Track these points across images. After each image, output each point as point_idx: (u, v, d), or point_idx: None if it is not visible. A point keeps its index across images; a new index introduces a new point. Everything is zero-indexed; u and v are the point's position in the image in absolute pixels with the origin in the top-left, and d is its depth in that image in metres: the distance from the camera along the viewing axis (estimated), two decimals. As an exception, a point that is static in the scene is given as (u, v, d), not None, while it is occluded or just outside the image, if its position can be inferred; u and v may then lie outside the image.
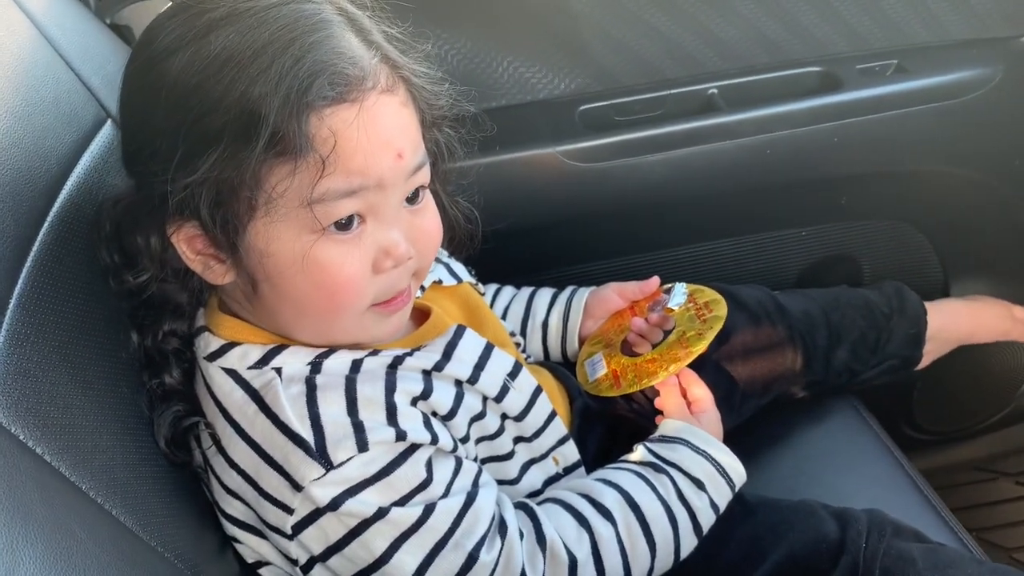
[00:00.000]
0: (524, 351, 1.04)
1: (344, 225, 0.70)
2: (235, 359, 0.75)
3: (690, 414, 0.90)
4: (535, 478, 0.86)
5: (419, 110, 0.74)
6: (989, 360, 1.35)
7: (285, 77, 0.65)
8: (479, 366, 0.81)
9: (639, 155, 1.14)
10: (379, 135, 0.68)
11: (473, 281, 0.99)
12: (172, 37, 0.68)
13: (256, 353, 0.74)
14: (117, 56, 0.98)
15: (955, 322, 1.20)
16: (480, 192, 0.90)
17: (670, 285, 1.02)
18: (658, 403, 0.91)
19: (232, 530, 0.77)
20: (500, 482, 0.82)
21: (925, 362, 1.15)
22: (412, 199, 0.74)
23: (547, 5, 1.18)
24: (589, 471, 0.88)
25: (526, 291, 1.09)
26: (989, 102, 1.18)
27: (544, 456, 0.87)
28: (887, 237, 1.31)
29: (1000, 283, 1.30)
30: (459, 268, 0.98)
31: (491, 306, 1.03)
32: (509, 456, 0.84)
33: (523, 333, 1.06)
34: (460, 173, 0.87)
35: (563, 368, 1.02)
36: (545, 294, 1.08)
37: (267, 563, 0.78)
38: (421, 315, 0.85)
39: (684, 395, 0.91)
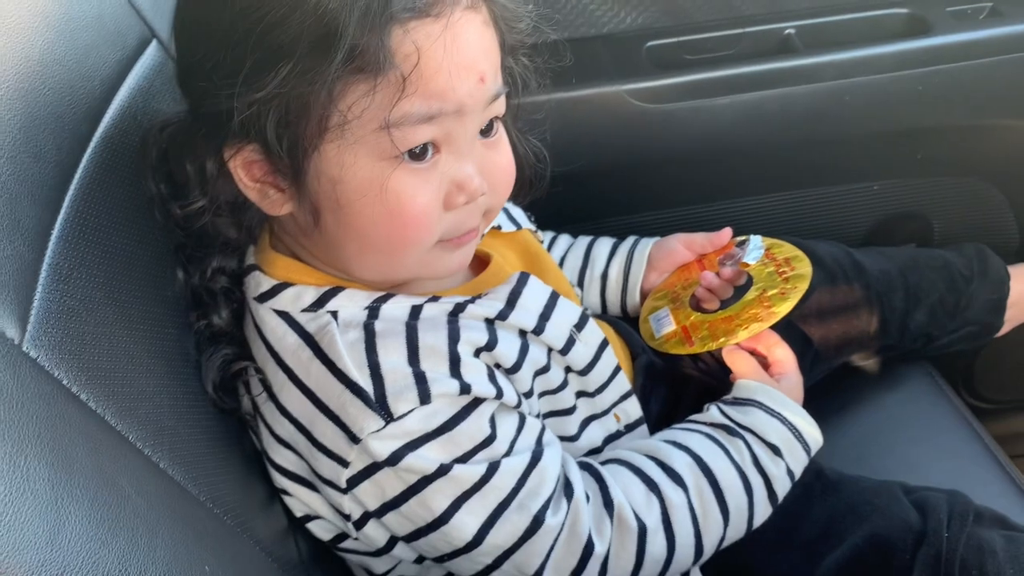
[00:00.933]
0: (581, 304, 0.98)
1: (418, 155, 0.65)
2: (288, 301, 0.71)
3: (765, 374, 0.85)
4: (595, 435, 0.82)
5: (499, 31, 0.69)
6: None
7: None
8: (544, 316, 0.76)
9: (709, 97, 1.08)
10: (463, 55, 0.63)
11: (533, 228, 0.94)
12: None
13: (311, 295, 0.71)
14: (163, -29, 0.92)
15: (1040, 287, 1.13)
16: (544, 132, 0.85)
17: (744, 238, 0.96)
18: (727, 360, 0.86)
19: (281, 481, 0.73)
20: (559, 438, 0.77)
21: (1006, 329, 1.09)
22: (486, 131, 0.69)
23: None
24: (652, 431, 0.84)
25: (584, 240, 1.04)
26: (1091, 52, 1.11)
27: (606, 412, 0.83)
28: (963, 195, 1.24)
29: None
30: (518, 213, 0.93)
31: (547, 254, 0.98)
32: (570, 411, 0.80)
33: (580, 284, 1.01)
34: (530, 109, 0.81)
35: (623, 323, 0.97)
36: (605, 243, 1.02)
37: (317, 517, 0.74)
38: (480, 262, 0.81)
39: (763, 355, 0.86)
